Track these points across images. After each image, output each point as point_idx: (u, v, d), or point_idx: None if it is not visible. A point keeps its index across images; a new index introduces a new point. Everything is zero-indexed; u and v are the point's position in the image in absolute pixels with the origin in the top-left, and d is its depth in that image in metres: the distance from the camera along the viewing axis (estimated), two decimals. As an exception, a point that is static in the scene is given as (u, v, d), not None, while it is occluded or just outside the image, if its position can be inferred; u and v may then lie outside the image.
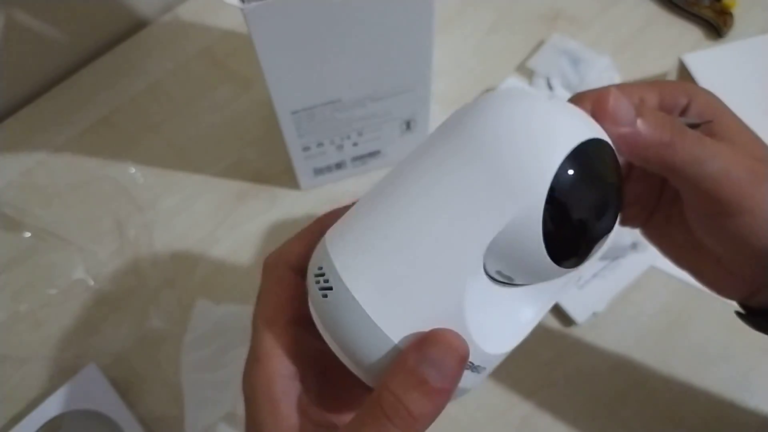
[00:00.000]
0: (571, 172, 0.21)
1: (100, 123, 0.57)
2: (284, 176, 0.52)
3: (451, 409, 0.46)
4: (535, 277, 0.23)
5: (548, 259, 0.21)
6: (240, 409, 0.42)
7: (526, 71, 0.58)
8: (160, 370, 0.45)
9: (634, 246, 0.47)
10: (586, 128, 0.22)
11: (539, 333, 0.46)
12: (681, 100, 0.27)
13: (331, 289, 0.22)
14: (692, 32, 0.59)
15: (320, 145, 0.47)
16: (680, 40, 0.59)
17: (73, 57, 0.60)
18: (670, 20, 0.60)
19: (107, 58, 0.60)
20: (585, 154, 0.21)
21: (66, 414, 0.42)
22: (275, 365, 0.24)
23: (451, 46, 0.59)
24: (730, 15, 0.58)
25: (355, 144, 0.48)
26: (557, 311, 0.46)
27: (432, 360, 0.20)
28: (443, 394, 0.21)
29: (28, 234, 0.51)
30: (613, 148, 0.23)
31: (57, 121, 0.57)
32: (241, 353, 0.43)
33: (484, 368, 0.23)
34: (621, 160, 0.24)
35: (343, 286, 0.22)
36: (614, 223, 0.23)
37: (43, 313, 0.48)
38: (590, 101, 0.24)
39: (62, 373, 0.45)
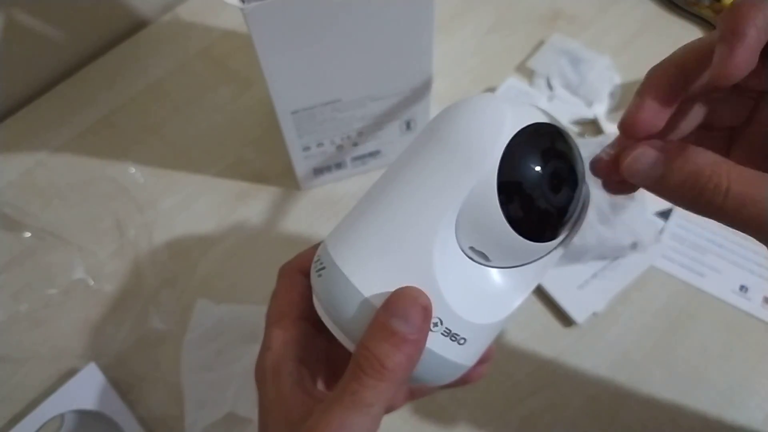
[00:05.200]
0: (515, 148, 0.24)
1: (100, 123, 0.57)
2: (284, 176, 0.52)
3: (451, 408, 0.46)
4: (506, 253, 0.25)
5: (510, 228, 0.24)
6: (240, 409, 0.42)
7: (526, 71, 0.58)
8: (160, 370, 0.45)
9: (634, 246, 0.47)
10: (532, 116, 0.25)
11: (539, 333, 0.46)
12: None
13: (324, 268, 0.26)
14: (692, 32, 0.59)
15: (320, 145, 0.47)
16: (680, 40, 0.58)
17: (73, 57, 0.60)
18: (670, 20, 0.60)
19: (107, 58, 0.60)
20: (529, 135, 0.24)
21: (66, 414, 0.42)
22: (283, 351, 0.27)
23: (451, 46, 0.59)
24: (730, 15, 0.58)
25: (355, 144, 0.48)
26: (557, 311, 0.46)
27: (396, 311, 0.23)
28: (410, 343, 0.23)
29: (28, 234, 0.51)
30: (563, 131, 0.26)
31: (57, 121, 0.57)
32: (241, 353, 0.43)
33: (465, 339, 0.25)
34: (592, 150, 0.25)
35: (333, 263, 0.25)
36: (569, 197, 0.25)
37: (43, 313, 0.48)
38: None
39: (62, 373, 0.45)
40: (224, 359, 0.43)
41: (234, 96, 0.58)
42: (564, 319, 0.46)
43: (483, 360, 0.30)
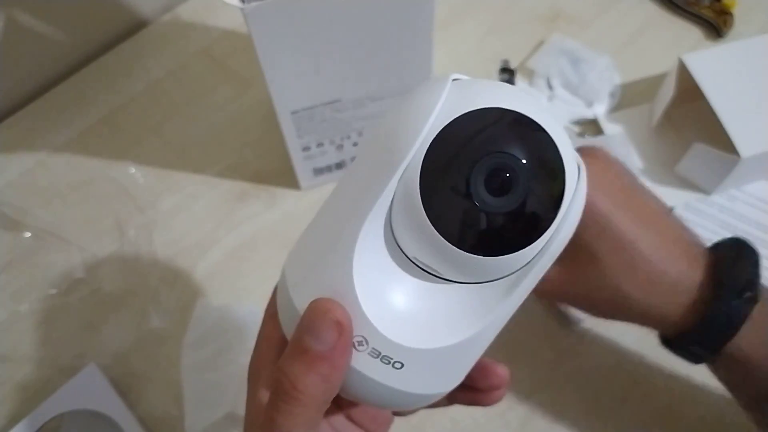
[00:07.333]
0: (446, 138, 0.20)
1: (100, 123, 0.57)
2: (284, 176, 0.52)
3: (452, 409, 0.46)
4: (451, 266, 0.21)
5: (440, 236, 0.20)
6: (240, 409, 0.42)
7: (526, 71, 0.58)
8: (160, 370, 0.45)
9: (634, 246, 0.47)
10: (489, 99, 0.21)
11: (539, 333, 0.46)
12: None
13: (281, 277, 0.24)
14: (692, 32, 0.59)
15: (320, 145, 0.47)
16: (680, 40, 0.59)
17: (73, 57, 0.60)
18: (670, 20, 0.60)
19: (107, 58, 0.60)
20: (469, 122, 0.20)
21: (66, 414, 0.42)
22: (264, 352, 0.25)
23: (451, 46, 0.59)
24: (730, 15, 0.58)
25: (355, 144, 0.48)
26: (557, 311, 0.46)
27: (308, 327, 0.21)
28: (323, 362, 0.21)
29: (28, 234, 0.51)
30: (541, 124, 0.21)
31: (57, 121, 0.57)
32: (241, 353, 0.43)
33: (401, 363, 0.22)
34: (566, 150, 0.21)
35: (283, 272, 0.24)
36: (523, 202, 0.20)
37: (43, 313, 0.48)
38: None
39: (62, 373, 0.45)
40: (224, 359, 0.43)
41: (234, 96, 0.58)
42: (564, 319, 0.46)
43: (495, 386, 0.28)
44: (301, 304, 0.22)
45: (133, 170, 0.54)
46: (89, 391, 0.43)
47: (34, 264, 0.50)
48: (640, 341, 0.45)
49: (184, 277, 0.49)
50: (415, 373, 0.22)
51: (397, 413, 0.31)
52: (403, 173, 0.21)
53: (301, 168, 0.49)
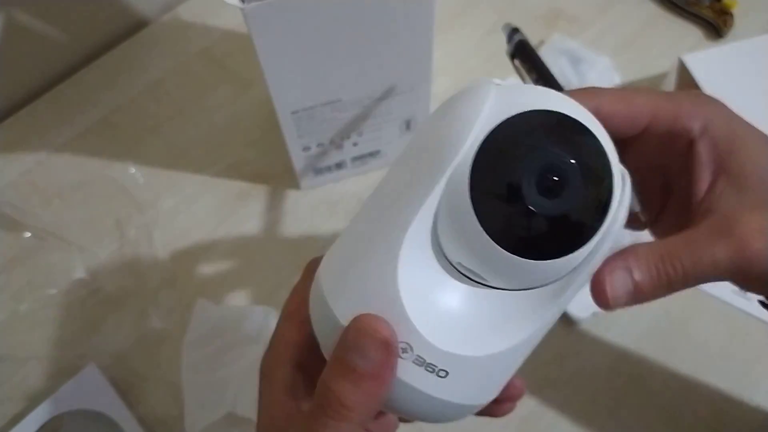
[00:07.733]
0: (496, 141, 0.20)
1: (100, 123, 0.57)
2: (284, 176, 0.52)
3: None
4: (500, 272, 0.21)
5: (490, 241, 0.20)
6: (240, 409, 0.42)
7: (526, 71, 0.58)
8: (160, 370, 0.45)
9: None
10: (533, 102, 0.21)
11: (539, 333, 0.46)
12: (695, 125, 0.25)
13: (314, 282, 0.24)
14: (692, 32, 0.59)
15: (320, 145, 0.47)
16: (680, 40, 0.59)
17: (73, 57, 0.60)
18: (670, 20, 0.60)
19: (107, 58, 0.60)
20: (518, 125, 0.20)
21: (66, 414, 0.42)
22: (282, 354, 0.25)
23: (451, 46, 0.59)
24: (730, 15, 0.58)
25: (355, 144, 0.48)
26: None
27: (353, 345, 0.21)
28: (371, 380, 0.21)
29: (28, 234, 0.51)
30: (576, 122, 0.21)
31: (57, 121, 0.57)
32: (241, 353, 0.43)
33: (446, 371, 0.21)
34: (608, 145, 0.21)
35: (318, 280, 0.23)
36: (575, 203, 0.20)
37: (43, 313, 0.48)
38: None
39: (62, 373, 0.45)
40: (224, 359, 0.43)
41: (234, 96, 0.58)
42: (564, 319, 0.46)
43: (512, 397, 0.28)
44: (344, 315, 0.21)
45: (133, 170, 0.54)
46: (89, 391, 0.43)
47: (34, 264, 0.50)
48: (640, 341, 0.45)
49: (184, 277, 0.49)
50: (459, 382, 0.22)
51: (403, 419, 0.30)
52: (450, 176, 0.20)
53: (301, 168, 0.49)
